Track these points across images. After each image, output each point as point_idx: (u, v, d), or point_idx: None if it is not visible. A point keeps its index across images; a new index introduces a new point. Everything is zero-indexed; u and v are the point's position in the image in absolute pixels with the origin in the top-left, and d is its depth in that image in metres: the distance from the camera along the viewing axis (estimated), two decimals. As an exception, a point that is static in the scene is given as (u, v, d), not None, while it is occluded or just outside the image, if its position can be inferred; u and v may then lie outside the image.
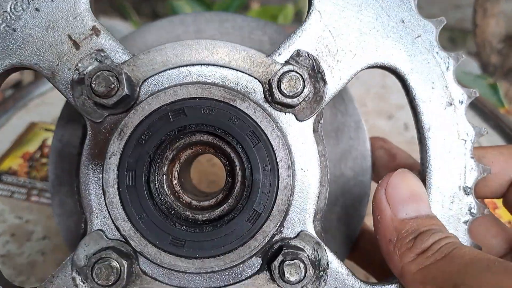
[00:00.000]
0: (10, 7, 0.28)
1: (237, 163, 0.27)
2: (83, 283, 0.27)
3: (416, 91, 0.29)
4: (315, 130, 0.29)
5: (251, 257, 0.26)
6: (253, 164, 0.26)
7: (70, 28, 0.28)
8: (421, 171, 0.29)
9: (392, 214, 0.27)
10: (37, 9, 0.28)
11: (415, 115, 0.29)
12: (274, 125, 0.26)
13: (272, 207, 0.26)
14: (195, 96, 0.26)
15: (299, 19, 1.14)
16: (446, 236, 0.25)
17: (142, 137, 0.26)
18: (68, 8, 0.28)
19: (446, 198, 0.28)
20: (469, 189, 0.28)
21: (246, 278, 0.28)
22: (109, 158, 0.26)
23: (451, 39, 1.42)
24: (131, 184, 0.26)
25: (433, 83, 0.29)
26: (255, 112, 0.26)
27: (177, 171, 0.28)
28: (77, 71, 0.27)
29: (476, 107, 0.61)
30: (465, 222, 0.28)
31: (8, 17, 0.28)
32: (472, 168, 0.28)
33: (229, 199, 0.27)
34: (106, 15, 1.44)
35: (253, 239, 0.26)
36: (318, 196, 0.28)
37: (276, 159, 0.26)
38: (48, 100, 0.65)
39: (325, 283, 0.28)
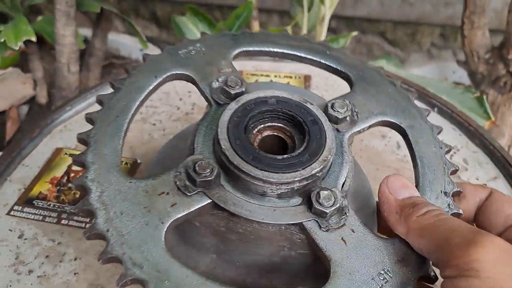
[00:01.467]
0: (185, 52, 0.52)
1: (297, 140, 0.44)
2: (181, 174, 0.40)
3: (412, 139, 0.48)
4: (348, 148, 0.47)
5: (300, 181, 0.40)
6: (311, 135, 0.43)
7: (219, 67, 0.51)
8: (416, 184, 0.45)
9: (394, 197, 0.42)
10: (204, 53, 0.52)
11: (411, 149, 0.48)
12: (327, 119, 0.45)
13: (320, 154, 0.42)
14: (285, 96, 0.46)
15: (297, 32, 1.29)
16: (437, 208, 0.40)
17: (249, 106, 0.45)
18: (222, 55, 0.52)
19: (433, 197, 0.44)
20: (447, 193, 0.44)
21: (289, 207, 0.41)
22: (227, 110, 0.44)
23: (443, 35, 1.48)
24: (235, 124, 0.43)
25: (422, 136, 0.49)
26: (316, 111, 0.45)
27: (258, 139, 0.45)
28: (216, 81, 0.48)
29: (462, 125, 0.72)
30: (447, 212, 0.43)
31: (184, 54, 0.51)
32: (449, 183, 0.45)
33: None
34: (116, 31, 1.63)
35: (304, 169, 0.40)
36: (347, 175, 0.44)
37: (325, 134, 0.43)
38: (70, 126, 0.72)
39: (345, 221, 0.40)
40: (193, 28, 1.23)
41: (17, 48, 0.83)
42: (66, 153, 0.67)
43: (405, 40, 1.67)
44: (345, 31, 1.72)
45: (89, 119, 0.45)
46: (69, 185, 0.61)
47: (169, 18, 1.65)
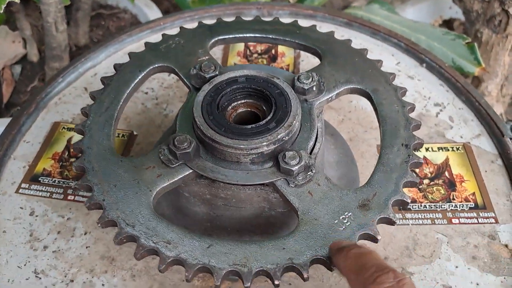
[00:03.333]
0: (165, 46, 0.60)
1: (267, 112, 0.51)
2: (164, 150, 0.48)
3: (376, 102, 0.55)
4: (317, 116, 0.54)
5: (268, 145, 0.47)
6: (278, 105, 0.50)
7: (197, 55, 0.59)
8: (381, 137, 0.52)
9: None
10: (183, 45, 0.60)
11: (376, 111, 0.54)
12: (292, 90, 0.52)
13: (286, 121, 0.48)
14: (254, 74, 0.53)
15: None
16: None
17: (221, 86, 0.52)
18: (200, 45, 0.60)
19: (394, 150, 0.50)
20: (408, 145, 0.50)
21: (261, 169, 0.48)
22: (201, 91, 0.51)
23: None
24: (208, 103, 0.50)
25: (386, 98, 0.55)
26: (282, 84, 0.52)
27: (234, 115, 0.53)
28: (194, 68, 0.56)
29: (449, 81, 0.74)
30: (406, 162, 0.49)
31: (165, 48, 0.60)
32: (410, 137, 0.51)
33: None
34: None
35: (271, 135, 0.47)
36: (316, 139, 0.51)
37: (291, 103, 0.50)
38: (64, 98, 0.75)
39: (311, 177, 0.47)
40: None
41: (1, 11, 0.83)
42: (64, 127, 0.71)
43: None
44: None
45: (84, 112, 0.54)
46: (71, 160, 0.66)
47: None
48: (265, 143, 0.47)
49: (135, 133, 0.71)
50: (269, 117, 0.49)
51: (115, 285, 0.54)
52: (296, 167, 0.47)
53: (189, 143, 0.48)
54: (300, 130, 0.51)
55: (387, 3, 1.21)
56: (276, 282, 0.41)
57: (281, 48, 0.84)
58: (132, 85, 0.57)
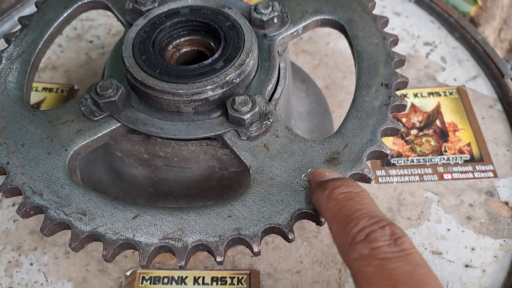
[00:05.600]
0: None
1: (216, 48, 0.42)
2: (87, 100, 0.39)
3: (351, 34, 0.45)
4: (279, 54, 0.44)
5: (213, 89, 0.38)
6: (227, 40, 0.41)
7: None
8: (356, 77, 0.43)
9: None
10: None
11: (350, 45, 0.45)
12: (246, 22, 0.42)
13: (237, 59, 0.39)
14: (200, 4, 0.43)
15: None
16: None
17: (159, 20, 0.42)
18: None
19: (371, 91, 0.41)
20: (389, 85, 0.41)
21: (205, 120, 0.39)
22: (134, 27, 0.42)
23: None
24: (142, 40, 0.40)
25: (362, 29, 0.45)
26: (235, 15, 0.42)
27: (176, 56, 0.43)
28: (129, 2, 0.46)
29: (441, 17, 0.65)
30: (386, 105, 0.40)
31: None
32: (392, 74, 0.42)
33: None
34: None
35: (218, 76, 0.38)
36: (278, 82, 0.42)
37: (244, 38, 0.41)
38: None
39: (268, 127, 0.38)
40: None
41: None
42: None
43: None
44: None
45: (-5, 58, 0.44)
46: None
47: None
48: (210, 87, 0.38)
49: (76, 87, 0.61)
50: (216, 55, 0.40)
51: (45, 263, 0.46)
52: (248, 115, 0.38)
53: (115, 90, 0.39)
54: (257, 71, 0.42)
55: None
56: (219, 259, 0.33)
57: (249, -13, 0.73)
58: (55, 24, 0.47)
